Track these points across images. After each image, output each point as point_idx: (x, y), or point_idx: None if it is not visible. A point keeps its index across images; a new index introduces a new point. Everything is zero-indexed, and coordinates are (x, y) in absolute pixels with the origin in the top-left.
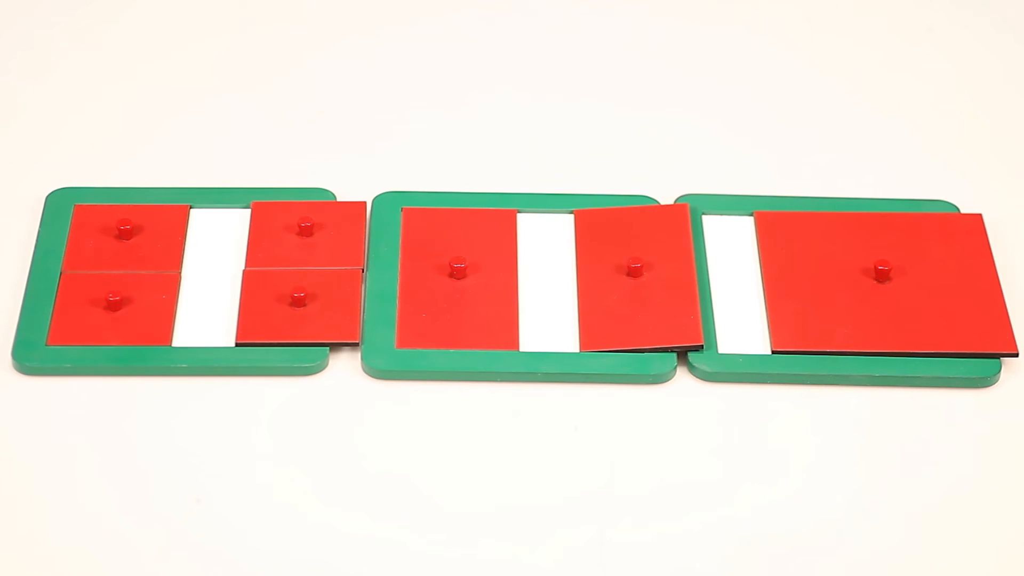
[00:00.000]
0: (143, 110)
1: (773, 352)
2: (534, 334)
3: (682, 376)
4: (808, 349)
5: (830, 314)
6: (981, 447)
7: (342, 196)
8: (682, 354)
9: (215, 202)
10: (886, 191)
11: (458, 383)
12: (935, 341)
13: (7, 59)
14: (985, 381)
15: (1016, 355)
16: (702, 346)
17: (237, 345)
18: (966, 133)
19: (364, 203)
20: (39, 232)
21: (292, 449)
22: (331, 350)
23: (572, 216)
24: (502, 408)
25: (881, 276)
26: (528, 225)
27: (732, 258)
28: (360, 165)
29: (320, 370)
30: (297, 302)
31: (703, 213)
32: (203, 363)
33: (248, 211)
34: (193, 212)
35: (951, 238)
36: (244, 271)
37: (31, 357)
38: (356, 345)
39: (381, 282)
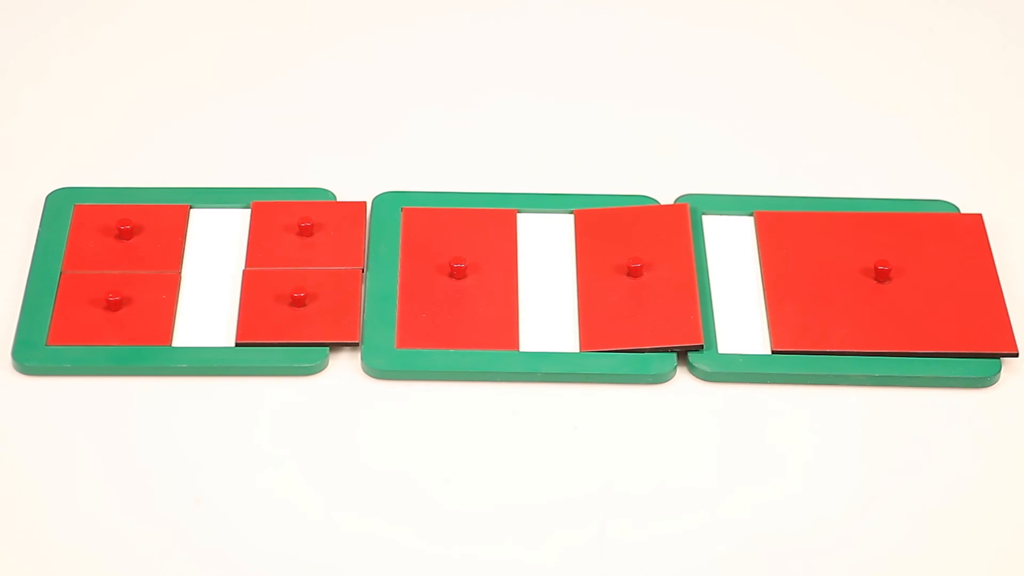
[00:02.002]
0: (143, 110)
1: (773, 352)
2: (534, 334)
3: (682, 376)
4: (808, 349)
5: (830, 314)
6: (981, 447)
7: (342, 196)
8: (682, 354)
9: (215, 202)
10: (886, 191)
11: (458, 383)
12: (935, 341)
13: (7, 59)
14: (985, 381)
15: (1016, 355)
16: (702, 346)
17: (237, 345)
18: (966, 133)
19: (364, 203)
20: (39, 232)
21: (292, 449)
22: (331, 350)
23: (572, 216)
24: (502, 408)
25: (881, 276)
26: (528, 225)
27: (732, 258)
28: (360, 165)
29: (320, 370)
30: (297, 302)
31: (703, 213)
32: (203, 363)
33: (248, 211)
34: (193, 212)
35: (951, 238)
36: (244, 271)
37: (31, 357)
38: (356, 345)
39: (381, 282)
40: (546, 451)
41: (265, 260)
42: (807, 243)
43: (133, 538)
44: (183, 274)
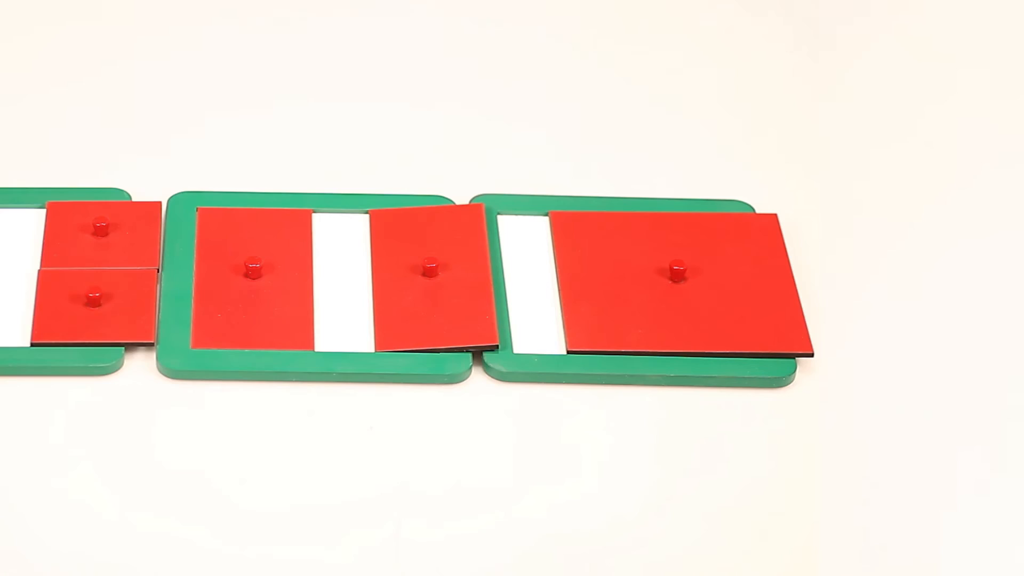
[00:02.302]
0: None
1: (568, 352)
2: (329, 334)
3: (477, 376)
4: (603, 349)
5: (625, 314)
6: (776, 446)
7: (137, 196)
8: (477, 354)
9: (10, 202)
10: (682, 191)
11: (253, 383)
12: (731, 341)
13: None
14: (780, 381)
15: (811, 355)
16: (497, 346)
17: (32, 345)
18: (762, 133)
19: (159, 203)
20: None
21: (87, 449)
22: (126, 350)
23: (368, 216)
24: (298, 408)
25: (676, 276)
26: (324, 225)
27: (527, 258)
28: (155, 165)
29: (115, 370)
30: (92, 302)
31: (498, 213)
32: None
33: (43, 211)
34: None
35: (747, 238)
36: (39, 271)
37: None
38: (151, 345)
39: (176, 282)
40: (342, 451)
41: (60, 260)
42: (602, 243)
43: None
44: None
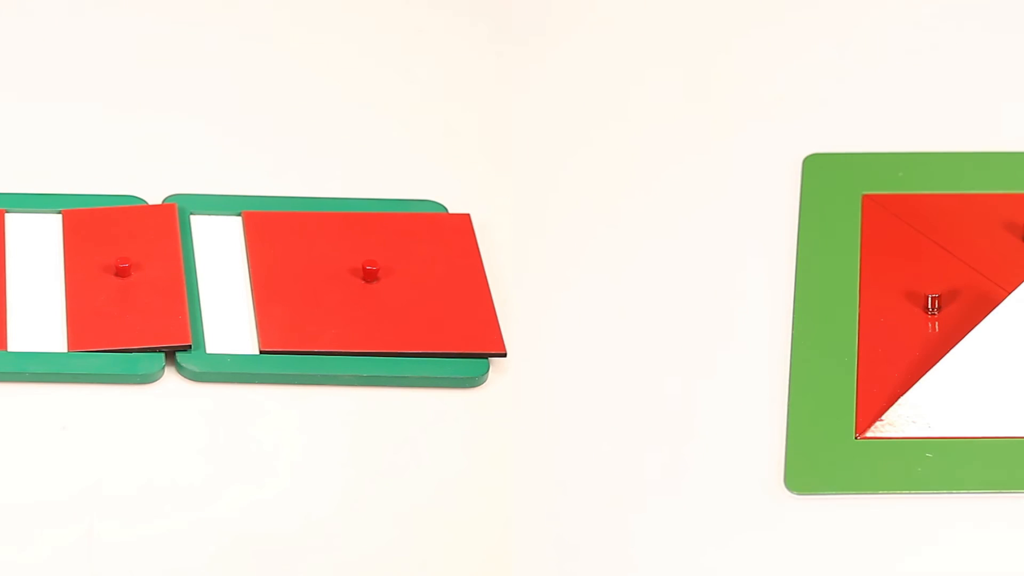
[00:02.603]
0: None
1: (261, 352)
2: (22, 333)
3: (171, 376)
4: (296, 349)
5: (319, 314)
6: (469, 446)
7: None
8: (170, 354)
9: None
10: (375, 191)
11: None
12: (424, 341)
13: None
14: (473, 381)
15: (504, 355)
16: (190, 346)
17: None
18: (454, 133)
19: None
20: None
21: None
22: None
23: (60, 216)
24: None
25: (369, 276)
26: (16, 225)
27: (221, 258)
28: None
29: None
30: None
31: (191, 213)
32: None
33: None
34: None
35: (440, 238)
36: None
37: None
38: None
39: None
40: (34, 451)
41: None
42: (296, 243)
43: None
44: None
